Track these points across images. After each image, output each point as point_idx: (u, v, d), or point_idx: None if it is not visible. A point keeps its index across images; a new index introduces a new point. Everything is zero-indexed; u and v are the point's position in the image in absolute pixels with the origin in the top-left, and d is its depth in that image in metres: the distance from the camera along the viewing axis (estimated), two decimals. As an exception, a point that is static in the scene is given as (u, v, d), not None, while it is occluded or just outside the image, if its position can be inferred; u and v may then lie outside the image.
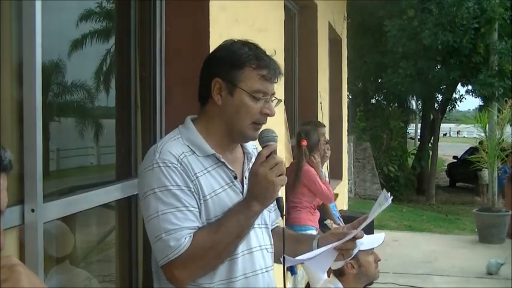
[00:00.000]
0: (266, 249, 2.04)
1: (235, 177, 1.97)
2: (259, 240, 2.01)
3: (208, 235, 1.83)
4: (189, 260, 1.81)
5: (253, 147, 2.12)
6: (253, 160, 2.00)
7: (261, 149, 1.95)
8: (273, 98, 1.97)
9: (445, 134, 41.82)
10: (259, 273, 1.98)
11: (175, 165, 1.84)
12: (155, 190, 1.83)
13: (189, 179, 1.85)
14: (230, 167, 1.96)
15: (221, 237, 1.83)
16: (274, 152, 1.90)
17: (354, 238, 2.04)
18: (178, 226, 1.80)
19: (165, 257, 1.81)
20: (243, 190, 1.97)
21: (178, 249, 1.80)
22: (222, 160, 1.94)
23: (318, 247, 2.07)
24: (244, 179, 1.99)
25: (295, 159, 5.64)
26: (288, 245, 2.04)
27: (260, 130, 1.97)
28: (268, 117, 1.97)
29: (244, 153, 2.06)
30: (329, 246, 2.03)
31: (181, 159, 1.86)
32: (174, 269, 1.82)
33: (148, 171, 1.85)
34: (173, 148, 1.88)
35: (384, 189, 2.15)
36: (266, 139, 1.92)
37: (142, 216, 2.96)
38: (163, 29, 3.18)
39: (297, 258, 2.03)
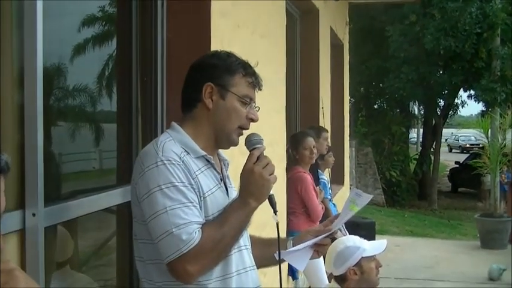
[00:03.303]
0: (248, 249, 2.11)
1: (221, 179, 2.07)
2: (244, 240, 2.07)
3: (215, 229, 1.88)
4: (201, 253, 1.83)
5: (225, 156, 2.20)
6: (229, 168, 2.15)
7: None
8: (256, 106, 2.09)
9: (446, 139, 41.72)
10: (249, 270, 2.06)
11: (179, 163, 1.90)
12: (162, 187, 1.85)
13: (191, 177, 1.90)
14: (217, 169, 2.06)
15: (227, 231, 1.90)
16: (262, 153, 2.00)
17: (330, 235, 2.19)
18: (188, 221, 1.84)
19: (177, 250, 1.81)
20: (227, 192, 2.07)
21: (191, 242, 1.82)
22: (212, 162, 2.03)
23: (294, 246, 2.17)
24: (228, 181, 2.11)
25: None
26: (258, 249, 2.17)
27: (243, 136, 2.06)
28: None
29: (220, 160, 2.15)
30: (310, 241, 2.15)
31: (182, 158, 1.92)
32: (186, 263, 1.82)
33: (153, 168, 1.88)
34: (173, 147, 1.93)
35: (354, 187, 2.24)
36: (254, 142, 2.02)
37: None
38: (165, 34, 3.19)
39: (286, 251, 2.13)
